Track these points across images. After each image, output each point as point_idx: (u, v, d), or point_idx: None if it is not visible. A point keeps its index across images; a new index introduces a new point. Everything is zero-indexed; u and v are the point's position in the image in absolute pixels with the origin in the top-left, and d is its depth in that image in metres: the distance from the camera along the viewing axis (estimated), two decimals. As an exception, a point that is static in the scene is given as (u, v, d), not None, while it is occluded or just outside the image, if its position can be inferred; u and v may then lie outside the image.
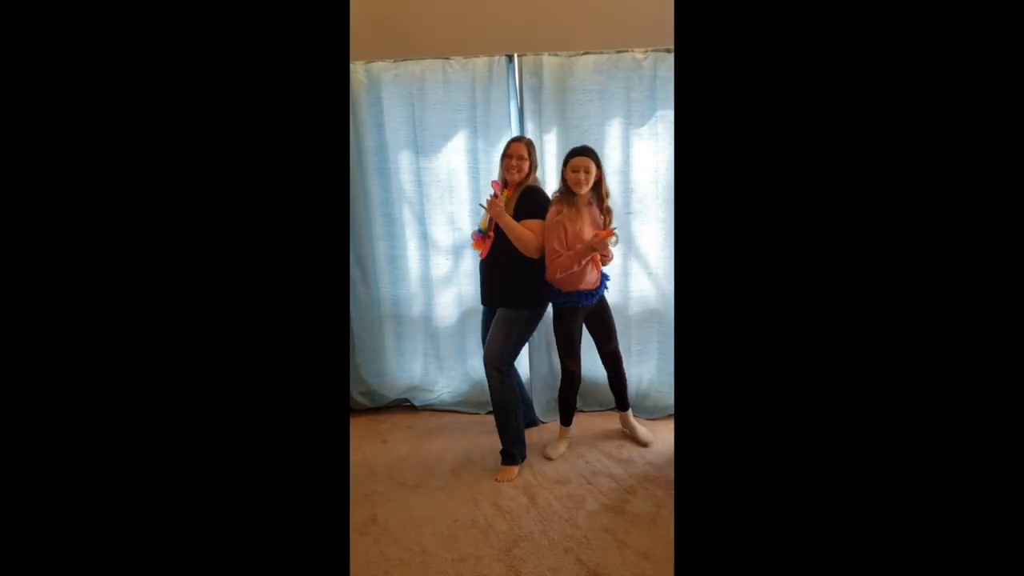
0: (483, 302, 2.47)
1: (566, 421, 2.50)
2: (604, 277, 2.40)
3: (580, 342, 2.39)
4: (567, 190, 2.24)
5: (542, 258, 2.26)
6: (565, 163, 2.26)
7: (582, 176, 2.20)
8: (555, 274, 2.22)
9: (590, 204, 2.29)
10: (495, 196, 2.27)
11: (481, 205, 2.27)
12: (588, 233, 2.23)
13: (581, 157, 2.22)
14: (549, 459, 2.42)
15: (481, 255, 2.38)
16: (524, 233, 2.23)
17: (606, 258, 2.34)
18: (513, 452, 2.36)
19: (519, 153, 2.29)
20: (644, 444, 2.51)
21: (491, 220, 2.29)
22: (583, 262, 2.20)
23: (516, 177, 2.29)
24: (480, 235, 2.38)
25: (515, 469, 2.33)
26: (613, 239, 2.24)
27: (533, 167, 2.33)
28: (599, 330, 2.46)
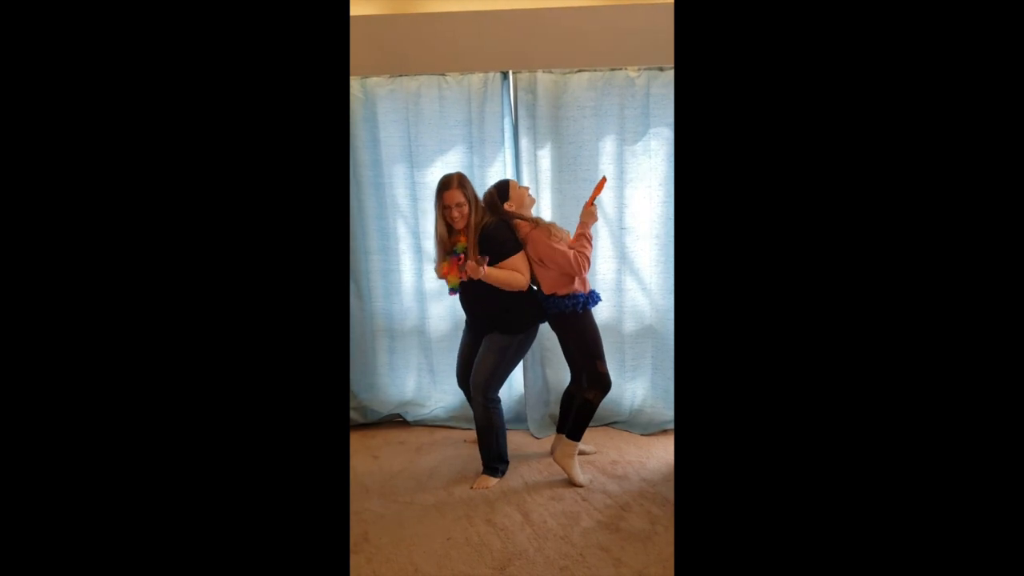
0: (468, 323, 2.42)
1: (580, 435, 2.33)
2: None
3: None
4: (516, 217, 2.25)
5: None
6: (503, 198, 2.24)
7: (527, 190, 2.33)
8: (585, 268, 2.19)
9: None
10: (463, 260, 2.15)
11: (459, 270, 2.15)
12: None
13: (513, 180, 2.32)
14: (581, 485, 2.32)
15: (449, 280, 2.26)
16: (510, 277, 2.17)
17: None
18: (495, 467, 2.39)
19: (456, 201, 2.14)
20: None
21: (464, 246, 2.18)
22: (590, 242, 2.25)
23: (462, 225, 2.17)
24: (455, 257, 2.21)
25: (493, 480, 2.37)
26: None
27: (475, 203, 2.19)
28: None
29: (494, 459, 2.38)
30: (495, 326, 2.27)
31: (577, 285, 2.23)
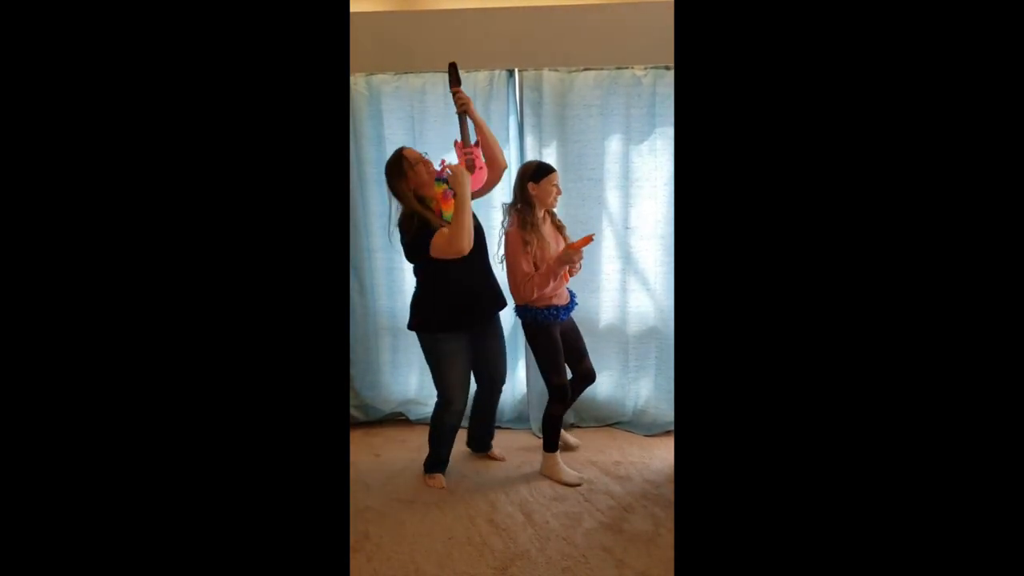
0: (465, 323, 2.24)
1: (555, 445, 2.36)
2: (571, 295, 2.37)
3: (562, 356, 2.30)
4: (526, 206, 2.17)
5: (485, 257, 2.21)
6: (534, 178, 2.15)
7: (557, 191, 2.22)
8: (530, 295, 2.16)
9: (544, 219, 2.25)
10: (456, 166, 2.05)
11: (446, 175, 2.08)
12: (552, 248, 2.20)
13: (555, 172, 2.20)
14: (578, 484, 2.32)
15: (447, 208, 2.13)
16: (463, 221, 1.97)
17: (573, 270, 2.28)
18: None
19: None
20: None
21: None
22: (558, 278, 2.19)
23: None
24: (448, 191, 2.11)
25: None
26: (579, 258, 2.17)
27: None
28: (573, 349, 2.40)
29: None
30: (494, 305, 2.29)
31: (527, 297, 2.18)
